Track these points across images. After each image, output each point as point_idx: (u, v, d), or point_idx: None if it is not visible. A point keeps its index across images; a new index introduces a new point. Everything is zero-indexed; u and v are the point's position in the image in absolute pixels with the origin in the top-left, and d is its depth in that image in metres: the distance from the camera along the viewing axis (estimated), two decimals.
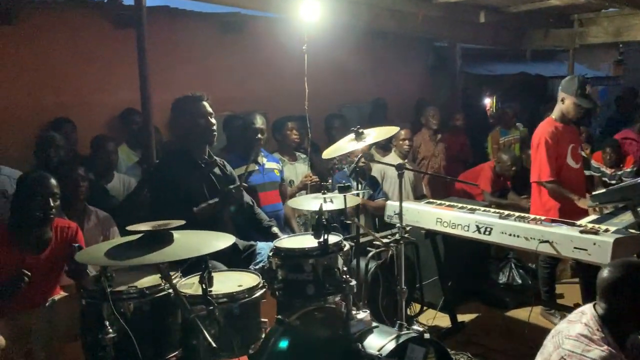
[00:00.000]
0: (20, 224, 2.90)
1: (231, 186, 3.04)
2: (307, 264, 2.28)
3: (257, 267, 3.09)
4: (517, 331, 4.22)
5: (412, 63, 7.90)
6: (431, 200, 4.34)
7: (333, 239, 2.34)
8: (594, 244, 3.01)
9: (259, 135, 4.18)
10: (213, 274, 2.24)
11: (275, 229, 3.25)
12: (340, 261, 2.34)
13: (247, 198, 3.45)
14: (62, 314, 2.91)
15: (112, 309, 2.21)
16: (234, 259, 3.06)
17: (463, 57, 8.09)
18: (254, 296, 2.33)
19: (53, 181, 2.93)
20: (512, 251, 4.78)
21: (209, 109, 3.15)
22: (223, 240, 2.11)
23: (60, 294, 3.11)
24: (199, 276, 2.48)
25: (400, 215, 2.83)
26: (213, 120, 3.16)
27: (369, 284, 3.62)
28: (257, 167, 4.21)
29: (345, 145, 2.85)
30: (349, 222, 3.31)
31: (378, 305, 3.61)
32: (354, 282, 2.22)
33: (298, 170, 4.89)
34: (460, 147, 6.61)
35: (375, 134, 2.81)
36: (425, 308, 4.38)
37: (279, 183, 4.46)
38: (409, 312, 4.14)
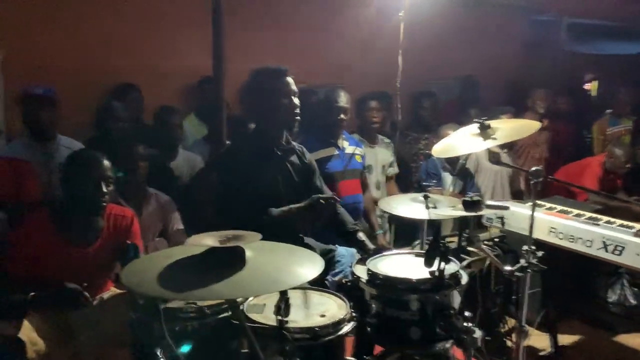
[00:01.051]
0: (68, 210, 2.48)
1: (322, 195, 2.48)
2: (414, 300, 1.73)
3: (335, 278, 2.59)
4: None
5: (508, 38, 7.04)
6: (539, 202, 3.67)
7: (449, 268, 1.76)
8: None
9: (342, 116, 3.64)
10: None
11: (361, 235, 2.69)
12: (457, 299, 1.78)
13: (327, 191, 2.92)
14: (111, 315, 2.51)
15: (165, 332, 1.81)
16: None
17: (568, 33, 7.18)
18: (340, 332, 1.84)
19: (106, 163, 2.50)
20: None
21: (294, 87, 2.60)
22: (310, 267, 1.58)
23: (110, 291, 2.71)
24: (270, 297, 2.05)
25: (530, 235, 2.19)
26: (297, 101, 2.61)
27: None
28: (336, 152, 3.68)
29: (466, 142, 2.21)
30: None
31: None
32: (479, 334, 1.65)
33: (379, 156, 4.32)
34: (563, 136, 5.80)
35: (506, 130, 2.15)
36: None
37: (360, 171, 3.89)
38: (501, 329, 3.57)
